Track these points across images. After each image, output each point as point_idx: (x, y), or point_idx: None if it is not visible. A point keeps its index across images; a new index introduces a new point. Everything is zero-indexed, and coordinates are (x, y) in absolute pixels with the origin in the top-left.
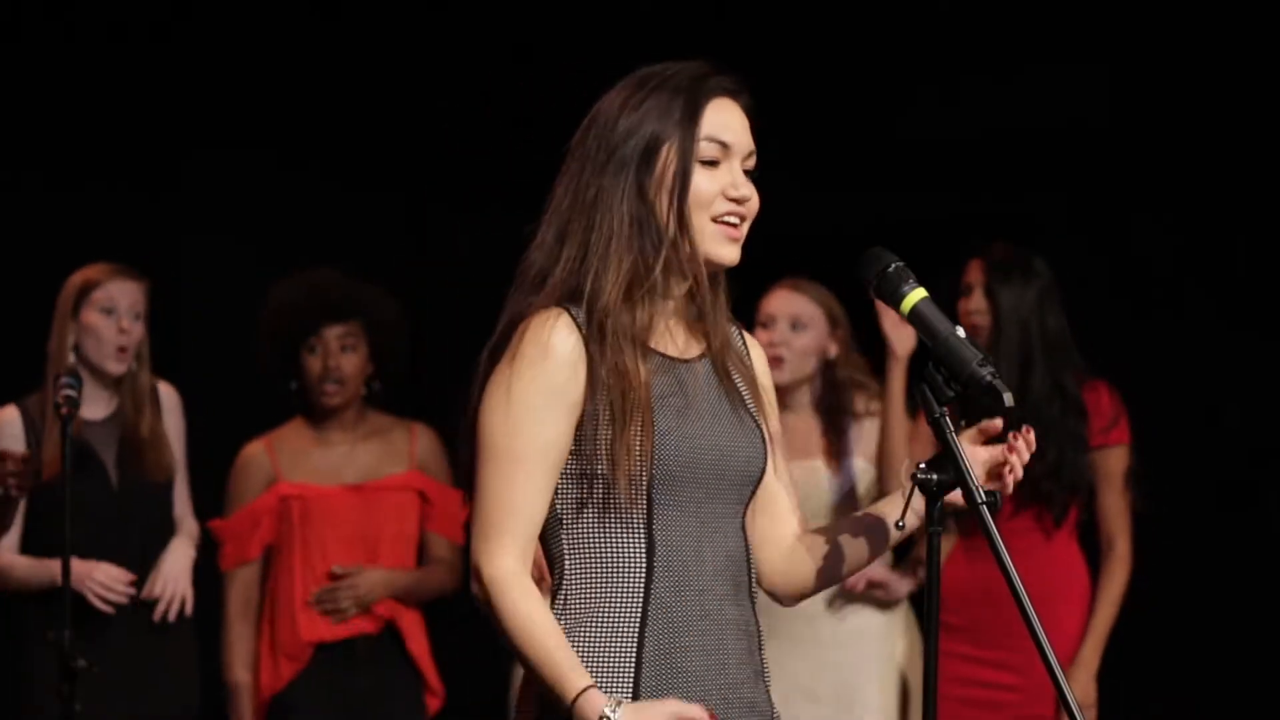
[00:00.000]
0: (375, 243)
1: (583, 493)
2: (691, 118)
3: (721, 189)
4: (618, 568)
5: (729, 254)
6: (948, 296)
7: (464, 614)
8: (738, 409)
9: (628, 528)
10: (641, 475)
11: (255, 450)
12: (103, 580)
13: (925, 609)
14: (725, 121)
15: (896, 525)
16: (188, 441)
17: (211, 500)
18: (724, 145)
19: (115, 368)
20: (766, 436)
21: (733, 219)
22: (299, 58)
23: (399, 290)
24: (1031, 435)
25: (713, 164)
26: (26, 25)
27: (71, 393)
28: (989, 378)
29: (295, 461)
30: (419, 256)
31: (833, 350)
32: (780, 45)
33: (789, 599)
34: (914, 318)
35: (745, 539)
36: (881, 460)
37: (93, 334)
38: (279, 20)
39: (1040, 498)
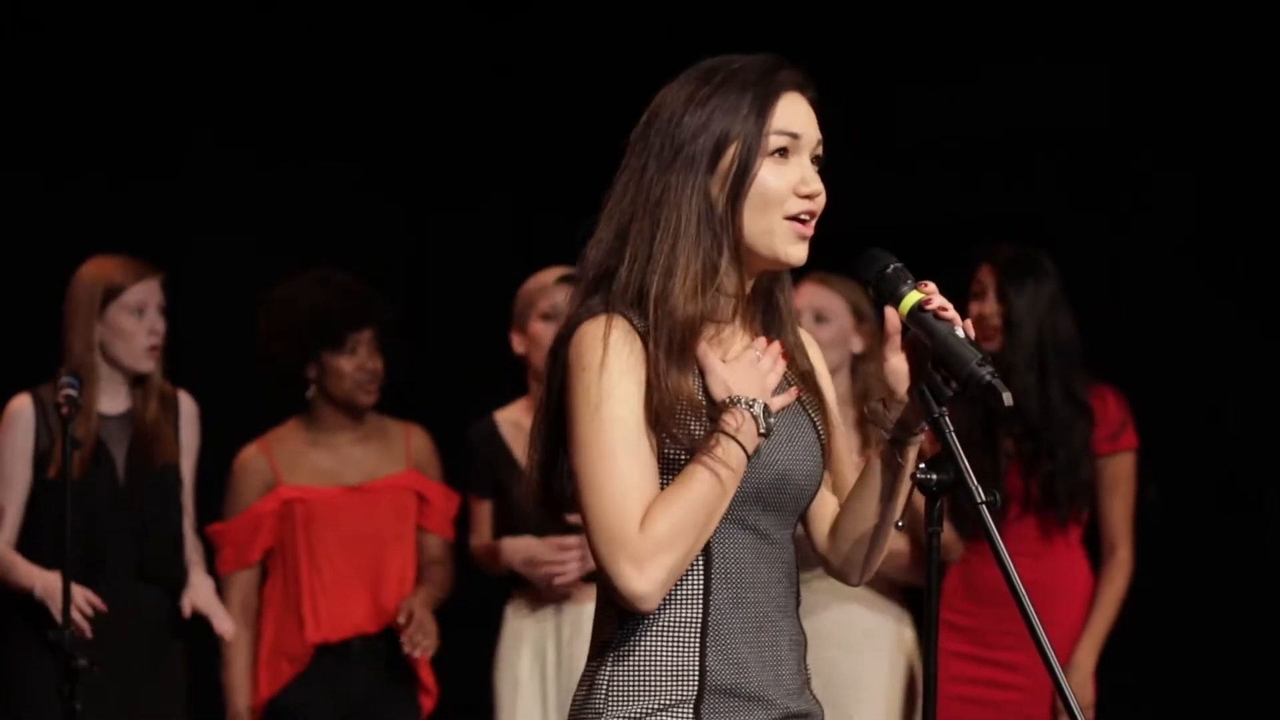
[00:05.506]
0: (375, 240)
1: None
2: (761, 114)
3: (792, 186)
4: (679, 580)
5: (797, 253)
6: (946, 296)
7: (459, 615)
8: (798, 420)
9: None
10: None
11: (252, 454)
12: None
13: (924, 608)
14: (795, 115)
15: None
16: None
17: (213, 496)
18: (794, 136)
19: (147, 366)
20: (823, 444)
21: (805, 216)
22: (300, 57)
23: (396, 287)
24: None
25: (782, 155)
26: (28, 20)
27: (73, 393)
28: (988, 377)
29: (293, 464)
30: (418, 254)
31: (858, 345)
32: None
33: (854, 576)
34: (913, 318)
35: (794, 551)
36: None
37: (123, 336)
38: (280, 20)
39: (1050, 501)
